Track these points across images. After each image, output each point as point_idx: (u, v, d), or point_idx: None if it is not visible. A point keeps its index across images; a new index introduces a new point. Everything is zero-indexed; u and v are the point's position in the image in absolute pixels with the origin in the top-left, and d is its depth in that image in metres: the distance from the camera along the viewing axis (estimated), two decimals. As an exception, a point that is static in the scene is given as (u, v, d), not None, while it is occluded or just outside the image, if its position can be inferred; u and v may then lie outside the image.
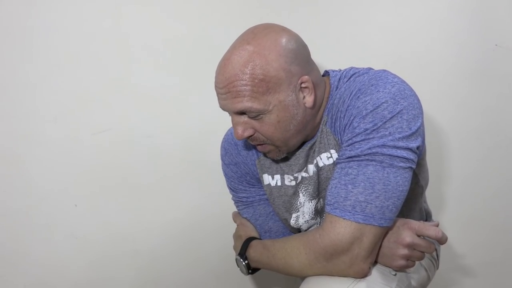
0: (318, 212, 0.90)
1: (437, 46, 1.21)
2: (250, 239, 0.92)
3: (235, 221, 1.02)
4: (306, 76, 0.78)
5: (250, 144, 0.93)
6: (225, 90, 0.76)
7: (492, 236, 1.31)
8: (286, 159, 0.90)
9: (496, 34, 1.21)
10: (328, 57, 1.16)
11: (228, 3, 1.16)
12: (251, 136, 0.81)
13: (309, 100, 0.79)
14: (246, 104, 0.75)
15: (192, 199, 1.23)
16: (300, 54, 0.79)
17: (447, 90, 1.24)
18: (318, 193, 0.87)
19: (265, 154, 0.90)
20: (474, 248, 1.31)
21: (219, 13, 1.16)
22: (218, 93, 0.79)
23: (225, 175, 1.00)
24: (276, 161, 0.91)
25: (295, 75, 0.77)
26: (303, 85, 0.78)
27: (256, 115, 0.78)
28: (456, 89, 1.24)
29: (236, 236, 0.99)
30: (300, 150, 0.87)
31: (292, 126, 0.79)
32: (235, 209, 1.04)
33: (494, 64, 1.21)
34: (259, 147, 0.85)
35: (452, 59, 1.22)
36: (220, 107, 0.81)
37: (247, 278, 1.27)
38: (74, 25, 1.09)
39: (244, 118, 0.79)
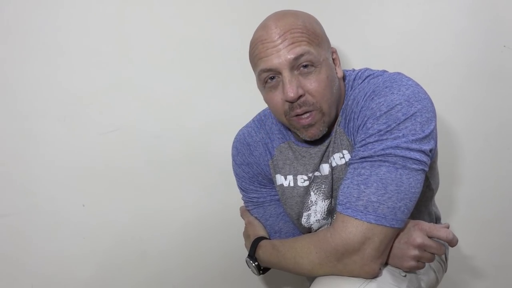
0: (330, 213, 0.90)
1: (445, 47, 1.21)
2: (258, 239, 0.92)
3: (242, 218, 1.02)
4: (335, 48, 0.84)
5: (263, 144, 0.94)
6: (281, 40, 0.76)
7: (501, 239, 1.30)
8: (317, 142, 0.86)
9: (505, 35, 1.20)
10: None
11: (235, 4, 1.16)
12: (301, 97, 0.78)
13: (339, 71, 0.84)
14: (305, 47, 0.76)
15: (199, 200, 1.23)
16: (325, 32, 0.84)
17: (455, 91, 1.23)
18: (332, 192, 0.87)
19: (303, 131, 0.82)
20: (483, 250, 1.31)
21: (225, 15, 1.16)
22: (267, 49, 0.77)
23: (236, 175, 0.99)
24: (292, 160, 0.91)
25: (329, 43, 0.83)
26: (333, 56, 0.84)
27: (308, 65, 0.77)
28: (464, 90, 1.23)
29: (245, 235, 0.99)
30: (317, 149, 0.87)
31: (335, 89, 0.81)
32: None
33: (503, 65, 1.21)
34: (304, 119, 0.79)
35: (460, 60, 1.21)
36: (267, 66, 0.78)
37: (254, 279, 1.27)
38: (84, 27, 1.10)
39: (296, 74, 0.77)
